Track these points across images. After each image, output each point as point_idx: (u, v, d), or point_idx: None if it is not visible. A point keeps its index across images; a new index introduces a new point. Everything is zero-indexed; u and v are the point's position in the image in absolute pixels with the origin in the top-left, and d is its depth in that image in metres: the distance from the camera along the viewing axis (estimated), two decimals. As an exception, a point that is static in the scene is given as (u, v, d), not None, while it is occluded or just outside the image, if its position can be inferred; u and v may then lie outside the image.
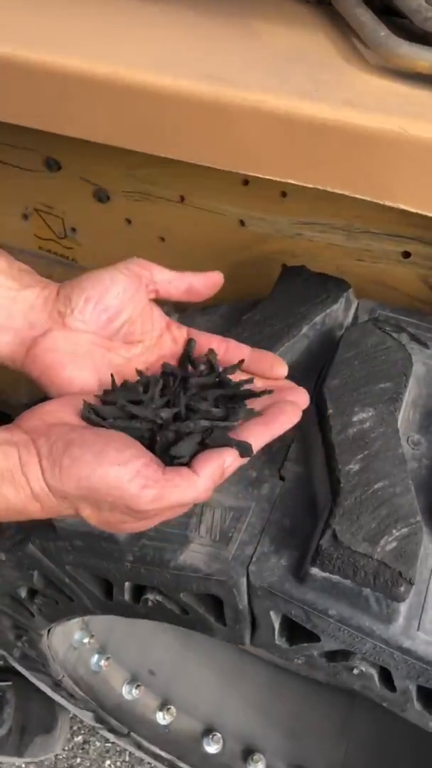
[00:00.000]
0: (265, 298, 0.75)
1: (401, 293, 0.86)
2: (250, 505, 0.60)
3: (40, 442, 0.47)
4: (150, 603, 0.64)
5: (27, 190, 0.99)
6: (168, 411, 0.52)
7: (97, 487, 0.45)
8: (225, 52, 0.66)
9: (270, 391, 0.56)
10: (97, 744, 1.25)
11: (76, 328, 0.54)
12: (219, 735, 1.08)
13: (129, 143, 0.68)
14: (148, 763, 1.18)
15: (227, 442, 0.49)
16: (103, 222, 0.97)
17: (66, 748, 1.25)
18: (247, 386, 0.57)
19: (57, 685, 1.01)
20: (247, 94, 0.60)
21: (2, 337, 0.54)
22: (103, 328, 0.55)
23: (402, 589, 0.51)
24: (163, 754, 1.09)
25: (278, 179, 0.64)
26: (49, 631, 0.85)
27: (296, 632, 0.60)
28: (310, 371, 0.70)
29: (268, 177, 0.65)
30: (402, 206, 0.61)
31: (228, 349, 0.59)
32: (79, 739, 1.26)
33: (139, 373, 0.56)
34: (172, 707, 1.08)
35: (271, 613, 0.58)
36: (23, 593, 0.76)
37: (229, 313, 0.81)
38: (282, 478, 0.62)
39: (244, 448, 0.49)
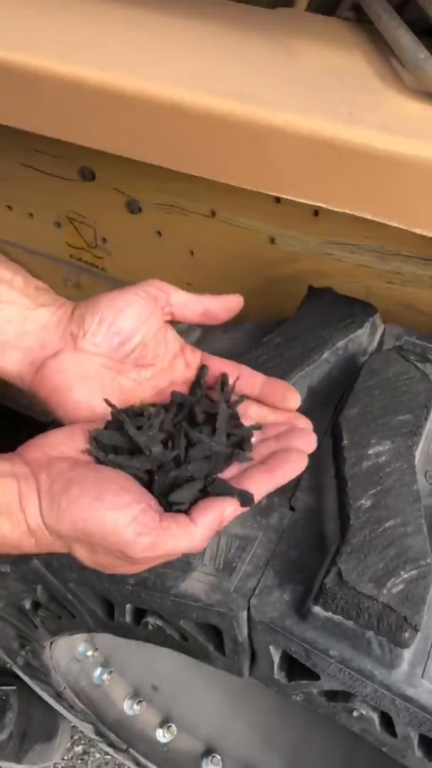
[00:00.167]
0: (290, 318, 0.74)
1: (431, 318, 0.83)
2: (257, 535, 0.59)
3: (40, 477, 0.46)
4: (150, 627, 0.63)
5: (61, 198, 0.99)
6: (168, 453, 0.51)
7: (92, 531, 0.45)
8: (260, 71, 0.65)
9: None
10: (96, 756, 1.24)
11: (87, 351, 0.54)
12: (219, 757, 1.06)
13: (160, 160, 0.68)
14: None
15: (229, 491, 0.49)
16: (133, 233, 0.97)
17: (65, 757, 1.24)
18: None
19: (59, 696, 1.00)
20: (279, 113, 0.59)
21: (12, 355, 0.54)
22: (115, 351, 0.55)
23: (406, 635, 0.49)
24: (160, 772, 1.07)
25: (308, 202, 0.63)
26: (51, 643, 0.84)
27: (296, 668, 0.58)
28: (330, 397, 0.68)
29: (297, 199, 0.63)
30: (434, 236, 0.60)
31: (241, 377, 0.57)
32: (78, 749, 1.25)
33: (143, 408, 0.54)
34: (173, 725, 1.06)
35: (271, 647, 0.56)
36: (27, 605, 0.75)
37: (254, 331, 0.80)
38: (292, 508, 0.61)
39: (245, 498, 0.48)
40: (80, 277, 1.11)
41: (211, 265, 0.95)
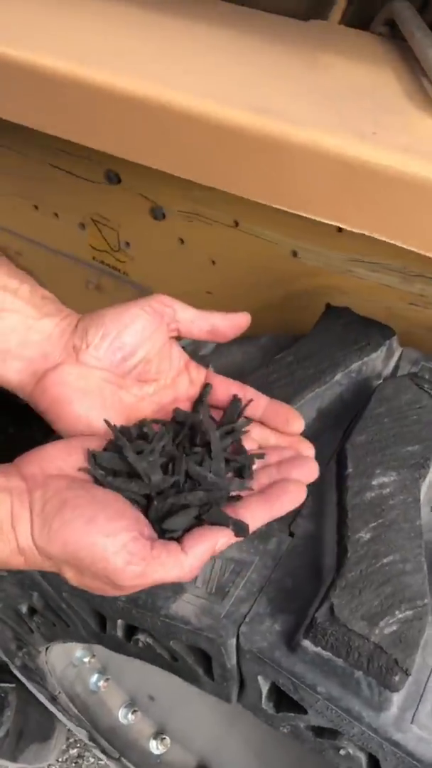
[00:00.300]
0: (305, 335, 0.72)
1: (453, 343, 0.81)
2: (254, 560, 0.57)
3: (35, 495, 0.46)
4: (140, 644, 0.62)
5: (86, 200, 0.99)
6: (167, 479, 0.49)
7: (81, 556, 0.44)
8: (287, 84, 0.63)
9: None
10: (91, 760, 1.24)
11: (88, 364, 0.53)
12: (212, 773, 1.05)
13: (182, 171, 0.67)
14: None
15: (224, 521, 0.48)
16: (156, 239, 0.96)
17: (60, 759, 1.24)
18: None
19: (53, 699, 1.00)
20: (301, 130, 0.57)
21: (14, 364, 0.53)
22: (117, 366, 0.54)
23: (396, 678, 0.47)
24: (151, 783, 1.06)
25: (327, 221, 0.62)
26: (47, 648, 0.83)
27: (284, 700, 0.56)
28: (341, 420, 0.67)
29: (316, 218, 0.62)
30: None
31: (244, 398, 0.56)
32: (74, 752, 1.25)
33: (144, 426, 0.53)
34: (167, 737, 1.05)
35: (259, 677, 0.55)
36: (24, 609, 0.75)
37: (269, 345, 0.78)
38: (291, 534, 0.59)
39: (240, 528, 0.47)
40: (102, 279, 1.11)
41: (232, 276, 0.93)
